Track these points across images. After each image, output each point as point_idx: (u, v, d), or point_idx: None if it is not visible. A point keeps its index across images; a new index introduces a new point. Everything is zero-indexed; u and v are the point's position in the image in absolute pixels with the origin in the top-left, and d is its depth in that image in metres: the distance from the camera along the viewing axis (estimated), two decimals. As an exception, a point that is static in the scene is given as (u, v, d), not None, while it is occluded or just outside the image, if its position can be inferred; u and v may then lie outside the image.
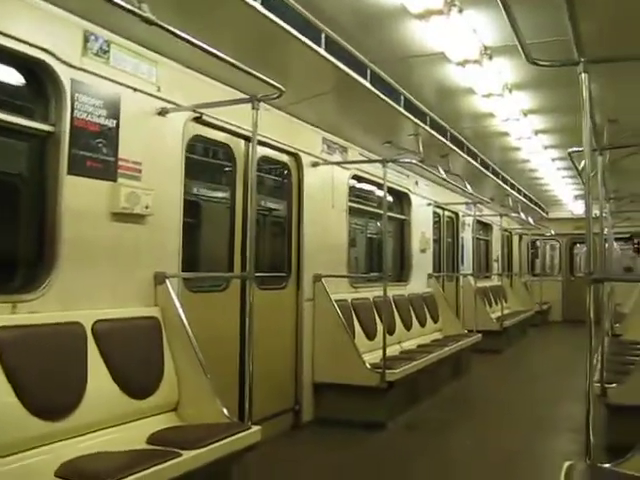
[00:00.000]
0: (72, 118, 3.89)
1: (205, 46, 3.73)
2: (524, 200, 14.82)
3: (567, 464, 3.24)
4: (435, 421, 7.13)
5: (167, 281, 4.52)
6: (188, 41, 3.60)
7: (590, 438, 3.35)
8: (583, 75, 3.50)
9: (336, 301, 6.89)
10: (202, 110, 4.95)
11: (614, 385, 5.51)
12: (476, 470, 5.51)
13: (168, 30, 3.41)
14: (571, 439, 6.42)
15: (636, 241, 17.60)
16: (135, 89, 4.36)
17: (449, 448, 6.14)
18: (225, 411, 4.23)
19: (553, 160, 10.62)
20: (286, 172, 6.68)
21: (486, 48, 5.42)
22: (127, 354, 4.08)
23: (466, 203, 12.58)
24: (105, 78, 4.12)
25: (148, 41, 4.31)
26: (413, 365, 7.15)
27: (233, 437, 3.86)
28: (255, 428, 4.10)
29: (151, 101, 4.52)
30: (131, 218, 4.30)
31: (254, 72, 4.15)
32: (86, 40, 3.96)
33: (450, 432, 6.68)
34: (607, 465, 3.35)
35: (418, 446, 6.14)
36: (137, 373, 4.10)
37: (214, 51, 3.81)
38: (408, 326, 9.00)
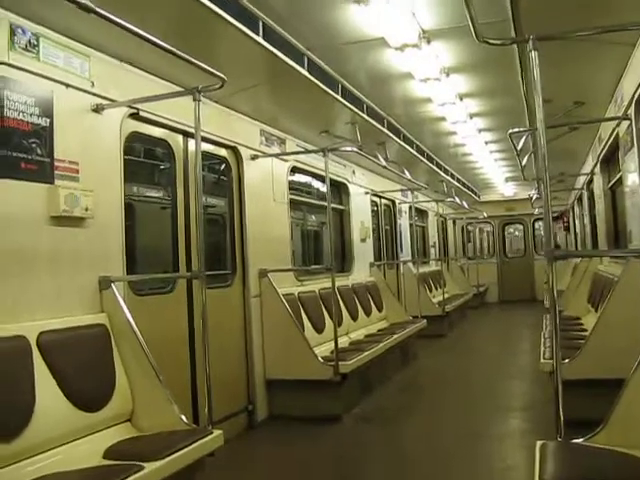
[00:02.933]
0: (2, 118, 3.64)
1: (144, 34, 3.52)
2: (457, 185, 14.98)
3: (540, 443, 3.22)
4: (389, 410, 7.10)
5: (113, 285, 4.30)
6: (127, 29, 3.38)
7: (560, 416, 3.33)
8: (533, 53, 3.47)
9: (283, 295, 6.76)
10: (139, 106, 4.74)
11: (566, 361, 5.56)
12: (435, 456, 5.48)
13: (107, 18, 3.19)
14: (522, 417, 6.52)
15: (565, 219, 18.04)
16: (68, 85, 4.11)
17: (406, 436, 6.10)
18: (183, 417, 4.06)
19: (487, 143, 10.72)
20: (225, 167, 6.50)
21: (424, 32, 5.36)
22: (76, 365, 3.85)
23: (402, 190, 12.61)
24: (36, 74, 3.86)
25: (80, 34, 4.08)
26: (365, 356, 7.09)
27: (196, 444, 3.69)
28: (217, 432, 3.95)
29: (85, 97, 4.28)
30: (71, 221, 4.07)
31: (195, 61, 3.97)
32: (12, 34, 3.70)
33: (405, 420, 6.65)
34: (579, 441, 3.34)
35: (375, 437, 6.09)
36: (88, 385, 3.88)
37: (152, 38, 3.60)
38: (354, 316, 8.96)
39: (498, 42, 3.59)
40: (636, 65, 5.32)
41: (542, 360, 5.89)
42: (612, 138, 7.07)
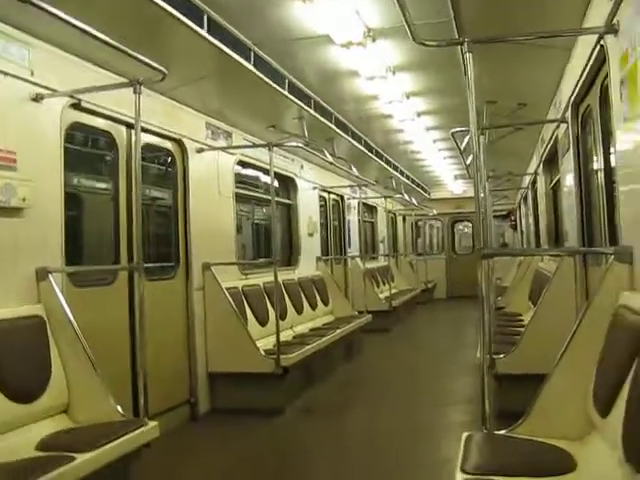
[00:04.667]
0: (-64, 106, 3.60)
1: (82, 26, 3.52)
2: (407, 182, 15.15)
3: (465, 434, 3.33)
4: (332, 403, 7.19)
5: (50, 276, 4.28)
6: (65, 21, 3.38)
7: (486, 408, 3.46)
8: (468, 55, 3.57)
9: (226, 289, 6.79)
10: (81, 96, 4.72)
11: (502, 356, 5.73)
12: (376, 448, 5.58)
13: (44, 9, 3.18)
14: (464, 410, 6.64)
15: (512, 218, 18.39)
16: (6, 73, 4.07)
17: (347, 429, 6.20)
18: (119, 409, 4.07)
19: (435, 141, 10.87)
20: (170, 159, 6.49)
21: (369, 30, 5.43)
22: (9, 357, 3.82)
23: (351, 186, 12.71)
24: (-30, 61, 3.83)
25: (19, 22, 4.03)
26: (307, 349, 7.16)
27: (130, 435, 3.72)
28: (152, 424, 3.97)
29: (24, 86, 4.24)
30: (7, 212, 4.03)
31: (134, 54, 3.98)
32: (-52, 21, 3.66)
33: (347, 413, 6.75)
34: (502, 432, 3.47)
35: (316, 430, 6.16)
36: (22, 376, 3.86)
37: (92, 31, 3.61)
38: (299, 310, 9.03)
39: (434, 43, 3.67)
40: (572, 70, 5.48)
41: (478, 355, 6.03)
42: (552, 140, 7.25)
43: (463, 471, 2.77)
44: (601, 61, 4.17)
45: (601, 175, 4.86)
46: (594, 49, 4.15)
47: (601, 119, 4.66)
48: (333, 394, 7.62)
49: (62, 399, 4.12)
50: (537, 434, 3.26)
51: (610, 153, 4.55)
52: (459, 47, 5.32)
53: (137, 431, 3.80)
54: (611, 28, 3.55)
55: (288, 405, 6.66)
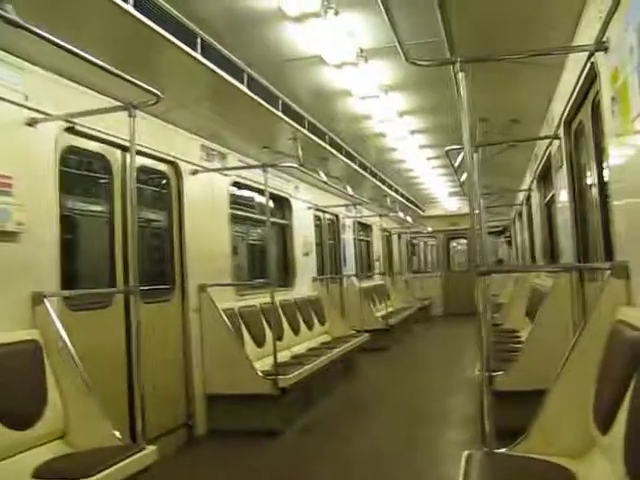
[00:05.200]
0: None
1: (76, 50, 3.53)
2: (401, 199, 15.18)
3: (466, 453, 3.31)
4: (331, 423, 7.14)
5: (46, 301, 4.25)
6: (58, 45, 3.38)
7: (486, 426, 3.44)
8: (460, 74, 3.59)
9: (223, 310, 6.77)
10: (75, 120, 4.72)
11: (500, 373, 5.70)
12: (376, 469, 5.53)
13: (37, 34, 3.19)
14: (462, 428, 6.60)
15: (507, 234, 18.43)
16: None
17: (347, 450, 6.14)
18: (117, 433, 4.03)
19: (428, 159, 10.92)
20: (165, 181, 6.49)
21: (362, 50, 5.47)
22: (5, 382, 3.78)
23: (346, 205, 12.73)
24: (-36, 86, 3.84)
25: (12, 46, 4.04)
26: (305, 370, 7.13)
27: (128, 460, 3.68)
28: (150, 448, 3.93)
29: (18, 111, 4.25)
30: (3, 236, 4.02)
31: (128, 77, 3.99)
32: (-59, 47, 3.67)
33: (346, 433, 6.69)
34: (502, 450, 3.45)
35: (315, 451, 6.11)
36: (17, 402, 3.82)
37: (85, 55, 3.62)
38: (296, 330, 9.00)
39: (426, 63, 3.70)
40: (563, 87, 5.52)
41: (476, 372, 6.02)
42: (546, 156, 7.29)
43: (465, 491, 2.75)
44: (592, 78, 4.20)
45: (595, 190, 4.88)
46: (585, 66, 4.18)
47: (593, 135, 4.69)
48: (332, 414, 7.57)
49: (58, 425, 4.07)
50: (537, 452, 3.24)
51: (603, 168, 4.57)
52: (451, 66, 5.42)
53: (135, 456, 3.76)
54: (601, 46, 3.58)
55: (287, 426, 6.62)
